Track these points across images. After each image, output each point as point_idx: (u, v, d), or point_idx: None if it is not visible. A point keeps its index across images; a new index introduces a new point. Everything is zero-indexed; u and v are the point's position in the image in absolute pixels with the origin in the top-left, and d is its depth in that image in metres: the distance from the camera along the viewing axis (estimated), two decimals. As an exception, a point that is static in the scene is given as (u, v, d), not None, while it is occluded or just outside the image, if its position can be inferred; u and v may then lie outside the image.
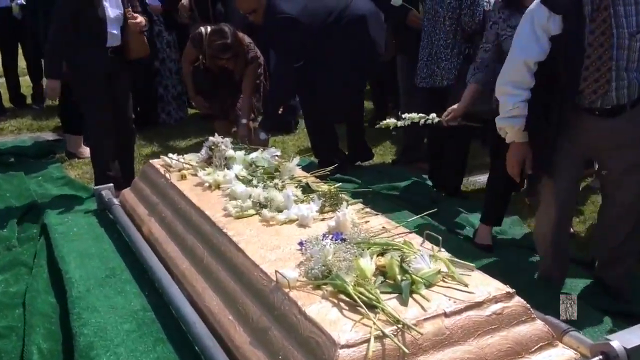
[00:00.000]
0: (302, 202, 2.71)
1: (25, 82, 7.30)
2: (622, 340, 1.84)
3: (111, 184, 3.80)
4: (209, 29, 4.51)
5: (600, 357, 1.83)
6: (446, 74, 3.80)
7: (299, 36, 3.95)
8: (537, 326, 1.97)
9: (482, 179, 4.27)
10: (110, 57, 3.94)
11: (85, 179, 4.62)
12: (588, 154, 2.62)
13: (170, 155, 3.48)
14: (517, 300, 1.98)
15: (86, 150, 5.13)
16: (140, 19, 4.00)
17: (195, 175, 3.21)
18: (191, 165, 3.31)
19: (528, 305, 1.99)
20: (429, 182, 4.25)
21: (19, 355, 2.35)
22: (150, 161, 3.60)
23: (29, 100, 7.16)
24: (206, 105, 4.79)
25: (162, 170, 3.37)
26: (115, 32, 3.93)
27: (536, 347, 1.93)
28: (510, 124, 2.56)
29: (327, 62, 4.01)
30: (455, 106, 3.31)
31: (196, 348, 2.25)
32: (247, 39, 4.55)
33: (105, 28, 3.86)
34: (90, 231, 3.44)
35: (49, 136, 5.82)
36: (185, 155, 3.48)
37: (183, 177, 3.21)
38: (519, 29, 2.53)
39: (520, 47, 2.49)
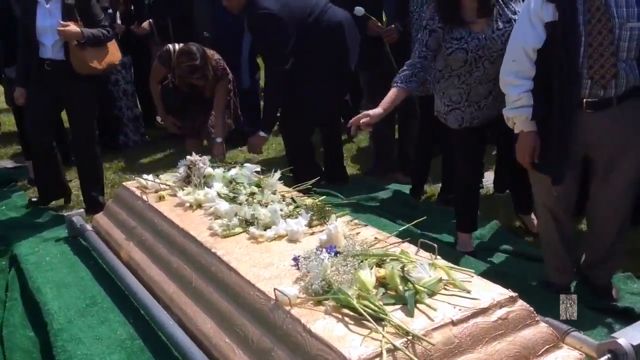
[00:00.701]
0: (289, 217, 2.66)
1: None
2: (628, 337, 1.84)
3: (82, 210, 3.67)
4: (176, 46, 4.42)
5: (609, 355, 1.83)
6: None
7: (281, 34, 3.91)
8: (541, 329, 1.96)
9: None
10: (47, 70, 3.80)
11: (50, 207, 4.45)
12: (582, 152, 2.61)
13: (145, 176, 3.38)
14: (521, 304, 1.97)
15: None
16: (71, 27, 3.73)
17: (174, 195, 3.13)
18: (169, 185, 3.23)
19: (531, 308, 1.99)
20: (406, 191, 4.24)
21: (1, 395, 2.23)
22: (124, 183, 3.50)
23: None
24: (178, 124, 4.69)
25: (137, 192, 3.27)
26: (46, 43, 3.78)
27: (542, 350, 1.92)
28: (517, 114, 2.59)
29: (305, 65, 3.98)
30: (373, 111, 2.98)
31: (192, 375, 2.17)
32: (216, 56, 4.48)
33: (35, 37, 3.72)
34: (64, 259, 3.31)
35: (8, 164, 5.61)
36: (160, 176, 3.39)
37: (161, 198, 3.13)
38: (518, 18, 2.64)
39: (518, 36, 2.56)
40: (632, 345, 1.82)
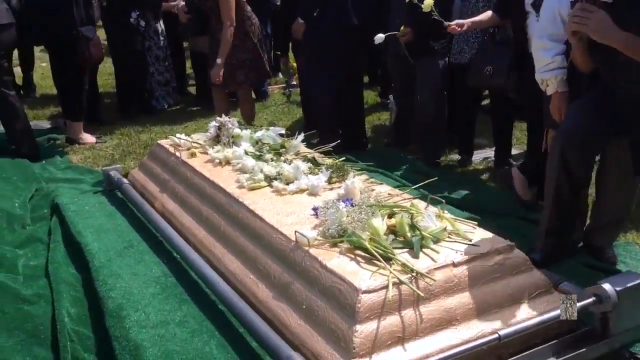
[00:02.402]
0: (310, 174, 2.88)
1: (16, 73, 7.36)
2: (612, 283, 2.04)
3: (119, 166, 3.95)
4: None
5: (594, 298, 2.04)
6: (469, 49, 4.09)
7: None
8: (535, 275, 2.18)
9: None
10: None
11: (87, 163, 4.75)
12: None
13: (178, 135, 3.63)
14: (517, 253, 2.19)
15: (86, 137, 5.27)
16: None
17: (204, 153, 3.37)
18: (200, 144, 3.47)
19: (527, 257, 2.20)
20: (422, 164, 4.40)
21: (49, 319, 2.49)
22: (159, 142, 3.75)
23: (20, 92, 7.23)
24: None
25: (171, 149, 3.52)
26: None
27: (535, 294, 2.13)
28: (551, 75, 2.76)
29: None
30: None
31: (219, 306, 2.42)
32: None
33: None
34: (102, 209, 3.58)
35: (46, 124, 5.91)
36: (192, 135, 3.64)
37: (193, 155, 3.37)
38: None
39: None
40: (616, 290, 2.02)
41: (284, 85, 7.04)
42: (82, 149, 5.11)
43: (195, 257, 2.66)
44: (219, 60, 4.50)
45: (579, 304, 2.01)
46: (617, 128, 2.51)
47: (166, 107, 6.39)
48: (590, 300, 2.04)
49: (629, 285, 2.05)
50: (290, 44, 5.88)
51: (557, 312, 1.98)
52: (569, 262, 2.83)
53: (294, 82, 6.55)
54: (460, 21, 3.75)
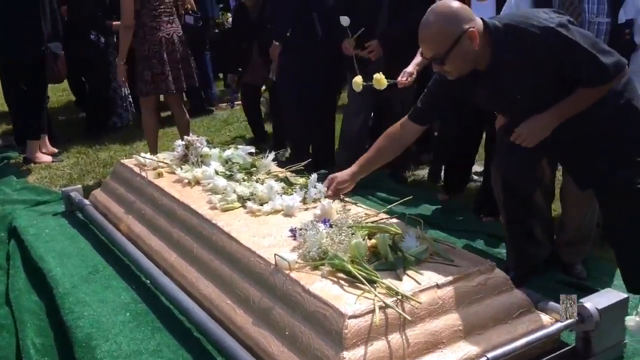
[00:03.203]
0: (284, 193, 2.83)
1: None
2: (594, 302, 2.05)
3: (79, 186, 3.81)
4: None
5: (576, 317, 2.04)
6: None
7: None
8: (516, 295, 2.17)
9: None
10: None
11: (44, 183, 4.58)
12: None
13: (142, 154, 3.53)
14: (498, 272, 2.18)
15: (43, 156, 5.09)
16: None
17: (172, 173, 3.28)
18: (166, 163, 3.38)
19: (508, 276, 2.20)
20: (391, 178, 4.40)
21: (13, 351, 2.37)
22: (122, 161, 3.63)
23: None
24: None
25: (136, 169, 3.42)
26: None
27: (517, 313, 2.13)
28: None
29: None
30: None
31: (195, 334, 2.34)
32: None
33: None
34: (63, 232, 3.44)
35: (-1, 143, 5.70)
36: (158, 154, 3.54)
37: (159, 175, 3.27)
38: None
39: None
40: (597, 309, 2.03)
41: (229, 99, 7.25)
42: (37, 168, 4.94)
43: (167, 282, 2.57)
44: (117, 61, 4.52)
45: (562, 324, 2.02)
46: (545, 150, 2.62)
47: (125, 124, 6.25)
48: (572, 320, 2.04)
49: (610, 303, 2.07)
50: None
51: (544, 331, 1.98)
52: (539, 278, 2.86)
53: (237, 100, 6.55)
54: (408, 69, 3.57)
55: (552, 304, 2.25)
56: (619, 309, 2.10)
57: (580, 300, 2.10)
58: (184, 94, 5.01)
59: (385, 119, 4.07)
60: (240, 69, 5.66)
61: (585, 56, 2.17)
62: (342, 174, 2.79)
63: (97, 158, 5.21)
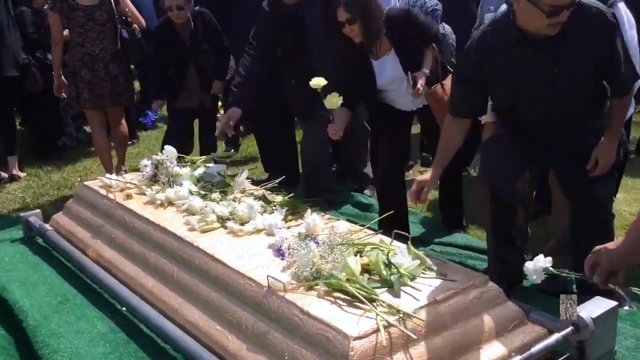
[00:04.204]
0: (265, 212, 2.77)
1: None
2: (588, 311, 2.07)
3: (38, 211, 3.62)
4: None
5: (572, 327, 2.06)
6: None
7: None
8: (510, 307, 2.18)
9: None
10: None
11: (-4, 209, 4.35)
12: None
13: (108, 175, 3.39)
14: (492, 285, 2.18)
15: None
16: None
17: (141, 194, 3.16)
18: (135, 184, 3.25)
19: (501, 289, 2.20)
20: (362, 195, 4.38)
21: (-16, 391, 2.21)
22: (85, 183, 3.48)
23: None
24: None
25: (102, 191, 3.28)
26: None
27: (511, 326, 2.13)
28: None
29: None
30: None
31: (183, 362, 2.24)
32: None
33: None
34: (24, 260, 3.26)
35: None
36: (124, 175, 3.41)
37: (128, 197, 3.15)
38: None
39: None
40: (592, 318, 2.05)
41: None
42: (-17, 192, 4.69)
43: (148, 309, 2.45)
44: (54, 75, 4.53)
45: (560, 334, 2.04)
46: (531, 159, 2.74)
47: (75, 143, 6.03)
48: (569, 329, 2.06)
49: (602, 312, 2.09)
50: None
51: (544, 343, 2.00)
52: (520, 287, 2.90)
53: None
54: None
55: (542, 314, 2.27)
56: (611, 317, 2.13)
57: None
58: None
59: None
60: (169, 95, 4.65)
61: (621, 53, 2.41)
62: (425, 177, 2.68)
63: (49, 180, 4.99)
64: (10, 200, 4.53)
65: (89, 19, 4.32)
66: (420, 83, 3.14)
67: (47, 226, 3.43)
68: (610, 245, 1.76)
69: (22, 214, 3.60)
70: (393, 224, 2.77)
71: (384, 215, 2.84)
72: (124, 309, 2.62)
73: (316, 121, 3.81)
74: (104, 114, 4.59)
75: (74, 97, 4.48)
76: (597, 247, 1.78)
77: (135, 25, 4.57)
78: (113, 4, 4.41)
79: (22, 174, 5.09)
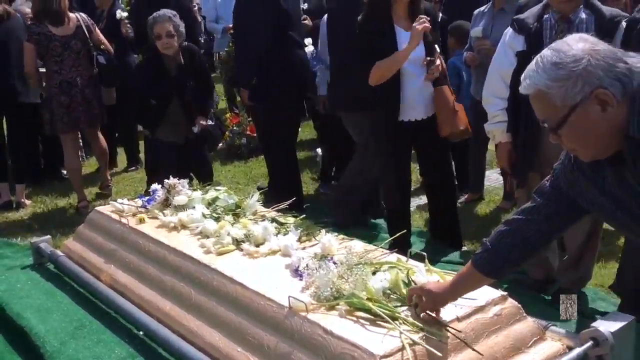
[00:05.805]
0: (279, 233, 2.79)
1: None
2: (606, 325, 2.09)
3: (48, 237, 3.62)
4: None
5: (591, 342, 2.08)
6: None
7: None
8: (529, 323, 2.19)
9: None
10: None
11: (3, 235, 4.34)
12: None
13: (119, 200, 3.41)
14: (511, 302, 2.20)
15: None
16: None
17: (154, 218, 3.18)
18: (147, 208, 3.27)
19: (519, 305, 2.22)
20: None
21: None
22: (97, 208, 3.50)
23: None
24: None
25: (114, 216, 3.29)
26: None
27: (531, 342, 2.15)
28: (495, 128, 3.06)
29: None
30: None
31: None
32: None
33: None
34: (37, 286, 3.26)
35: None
36: (135, 200, 3.44)
37: (141, 221, 3.17)
38: (498, 47, 3.04)
39: (495, 62, 3.01)
40: (611, 332, 2.07)
41: None
42: (-5, 220, 4.69)
43: (167, 332, 2.46)
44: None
45: (579, 349, 2.05)
46: None
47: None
48: (589, 344, 2.07)
49: (621, 326, 2.11)
50: None
51: (566, 358, 2.00)
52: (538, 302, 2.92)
53: None
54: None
55: (559, 329, 2.28)
56: (629, 331, 2.15)
57: (592, 324, 2.14)
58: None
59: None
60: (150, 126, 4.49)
61: None
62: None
63: (56, 206, 5.00)
64: (18, 227, 4.53)
65: (65, 48, 4.68)
66: (438, 62, 3.38)
67: (59, 252, 3.44)
68: (433, 287, 1.98)
69: (32, 241, 3.60)
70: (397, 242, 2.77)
71: (397, 235, 2.86)
72: (141, 333, 2.63)
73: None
74: (77, 136, 4.99)
75: (47, 121, 4.77)
76: (423, 285, 2.01)
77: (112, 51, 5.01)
78: (86, 33, 4.76)
79: (27, 202, 5.10)
